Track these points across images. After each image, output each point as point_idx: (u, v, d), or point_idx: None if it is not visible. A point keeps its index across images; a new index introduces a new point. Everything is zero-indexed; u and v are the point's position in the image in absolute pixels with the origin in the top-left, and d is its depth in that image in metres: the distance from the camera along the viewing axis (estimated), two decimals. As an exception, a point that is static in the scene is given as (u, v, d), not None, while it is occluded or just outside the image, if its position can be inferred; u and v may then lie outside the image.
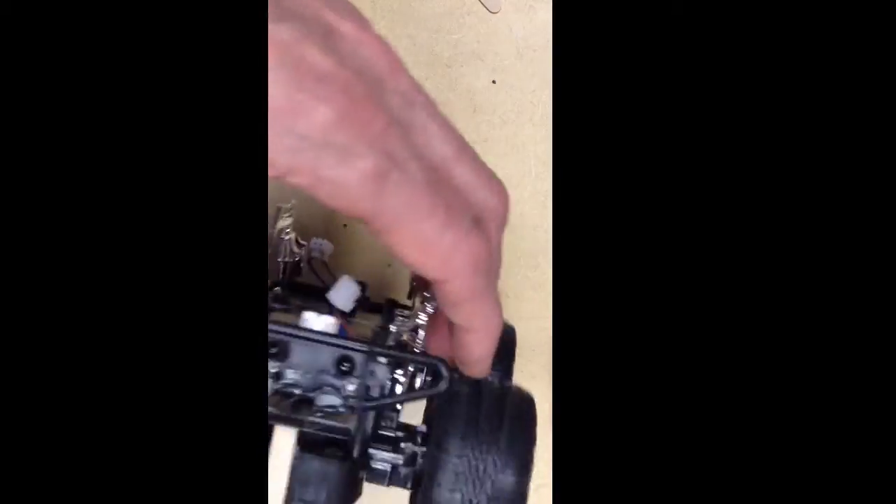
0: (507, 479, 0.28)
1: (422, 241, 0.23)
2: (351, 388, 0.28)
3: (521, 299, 0.48)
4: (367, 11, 0.50)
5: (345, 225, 0.44)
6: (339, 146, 0.21)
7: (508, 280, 0.48)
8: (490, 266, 0.25)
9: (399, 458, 0.30)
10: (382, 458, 0.31)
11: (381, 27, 0.49)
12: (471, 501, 0.28)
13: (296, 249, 0.32)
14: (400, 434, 0.31)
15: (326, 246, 0.33)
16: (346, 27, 0.23)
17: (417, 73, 0.43)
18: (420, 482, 0.30)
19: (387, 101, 0.23)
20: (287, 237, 0.32)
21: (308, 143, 0.21)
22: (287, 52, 0.20)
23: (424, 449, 0.30)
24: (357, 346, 0.28)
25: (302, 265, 0.33)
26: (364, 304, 0.34)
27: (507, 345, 0.42)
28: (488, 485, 0.28)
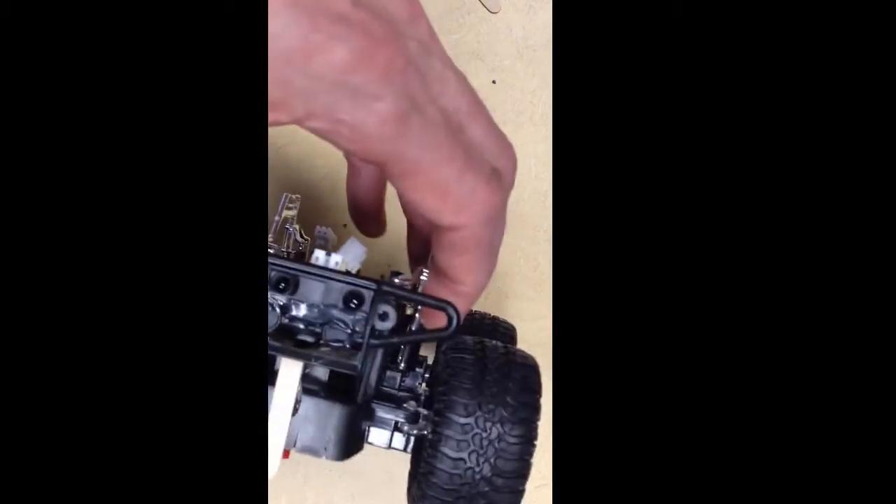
0: (512, 447, 0.28)
1: (440, 186, 0.23)
2: (359, 322, 0.28)
3: (521, 299, 0.48)
4: (367, 11, 0.50)
5: (344, 225, 0.44)
6: (357, 87, 0.21)
7: (508, 280, 0.48)
8: (498, 220, 0.25)
9: (401, 416, 0.30)
10: (384, 416, 0.30)
11: (381, 27, 0.49)
12: (473, 469, 0.28)
13: (299, 239, 0.32)
14: (403, 394, 0.31)
15: (330, 234, 0.33)
16: None
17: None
18: (421, 448, 0.29)
19: (405, 44, 0.22)
20: (291, 227, 0.32)
21: (324, 84, 0.20)
22: None
23: (427, 412, 0.30)
24: (366, 283, 0.28)
25: (306, 256, 0.33)
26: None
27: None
28: (491, 452, 0.28)
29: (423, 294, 0.28)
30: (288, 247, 0.32)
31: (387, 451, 0.31)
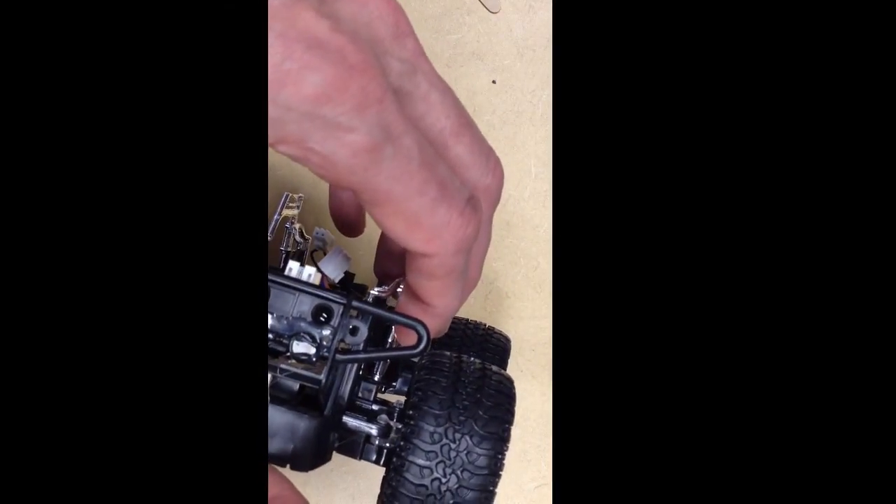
0: (480, 459, 0.27)
1: (411, 216, 0.23)
2: (326, 338, 0.28)
3: (521, 299, 0.48)
4: (367, 11, 0.50)
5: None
6: (329, 119, 0.20)
7: (508, 280, 0.48)
8: (475, 245, 0.25)
9: (373, 428, 0.30)
10: (356, 427, 0.31)
11: (381, 27, 0.49)
12: (440, 480, 0.27)
13: (298, 239, 0.33)
14: (376, 407, 0.31)
15: (328, 236, 0.33)
16: None
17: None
18: (391, 458, 0.29)
19: (386, 67, 0.22)
20: (291, 226, 0.32)
21: (295, 114, 0.20)
22: (277, 16, 0.19)
23: (400, 426, 0.29)
24: (336, 297, 0.28)
25: (304, 255, 0.33)
26: (350, 278, 0.34)
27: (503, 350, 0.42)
28: (458, 464, 0.27)
29: (393, 311, 0.28)
30: (287, 246, 0.32)
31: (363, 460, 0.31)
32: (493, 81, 0.49)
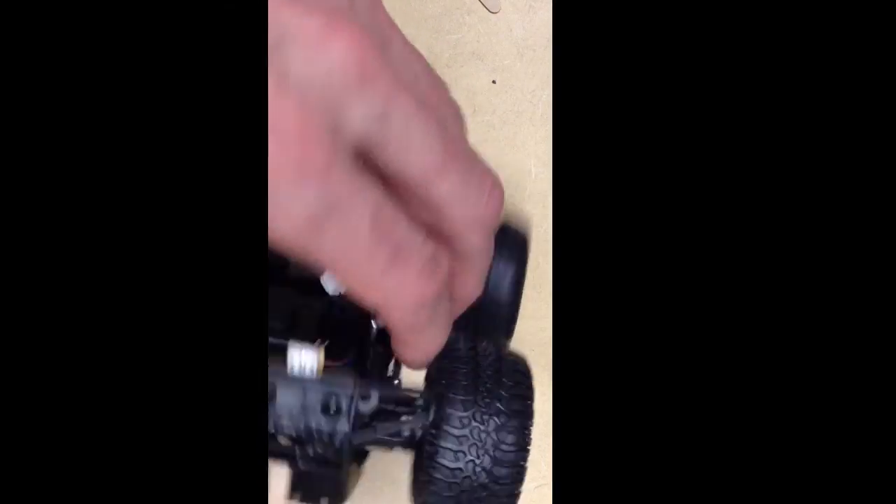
0: (508, 437, 0.29)
1: (361, 281, 0.22)
2: (342, 429, 0.28)
3: (521, 299, 0.48)
4: (367, 11, 0.50)
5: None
6: (270, 185, 0.19)
7: (508, 280, 0.48)
8: (436, 302, 0.23)
9: (399, 429, 0.30)
10: (384, 438, 0.30)
11: (381, 27, 0.49)
12: (474, 462, 0.29)
13: None
14: (400, 408, 0.30)
15: None
16: (309, 27, 0.19)
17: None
18: (423, 445, 0.30)
19: (344, 121, 0.20)
20: None
21: None
22: None
23: (424, 418, 0.30)
24: (342, 385, 0.28)
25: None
26: (357, 324, 0.34)
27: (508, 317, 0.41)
28: (490, 444, 0.29)
29: (401, 391, 0.28)
30: (292, 266, 0.32)
31: (387, 452, 0.31)
32: (493, 81, 0.49)
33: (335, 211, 0.20)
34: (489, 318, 0.36)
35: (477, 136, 0.48)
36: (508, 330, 0.39)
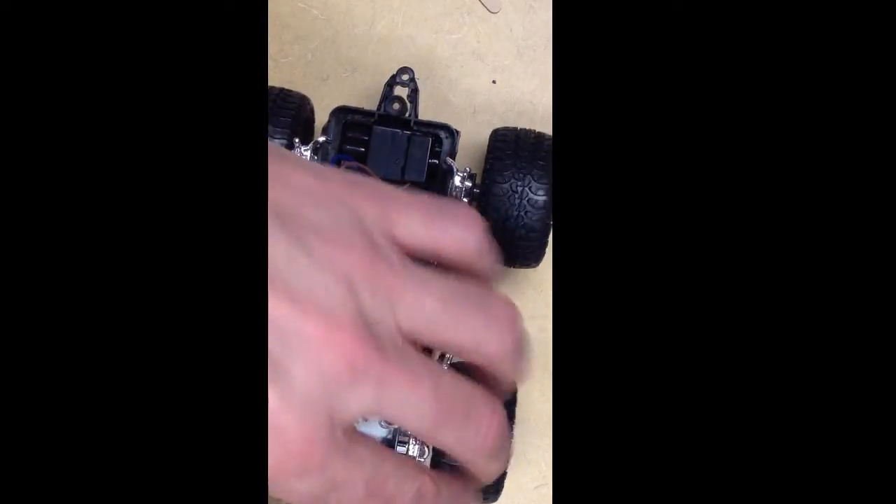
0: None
1: None
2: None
3: (520, 299, 0.48)
4: (366, 11, 0.50)
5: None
6: (273, 481, 0.21)
7: (509, 280, 0.48)
8: None
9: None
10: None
11: (381, 27, 0.49)
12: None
13: None
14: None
15: None
16: (307, 334, 0.21)
17: (418, 73, 0.43)
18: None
19: (342, 411, 0.22)
20: None
21: None
22: None
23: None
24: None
25: None
26: None
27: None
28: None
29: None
30: None
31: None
32: (493, 81, 0.49)
33: (335, 489, 0.22)
34: (520, 245, 0.41)
35: (477, 135, 0.48)
36: (538, 256, 0.43)
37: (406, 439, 0.40)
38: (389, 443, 0.41)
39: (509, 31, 0.50)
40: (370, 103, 0.44)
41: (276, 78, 0.48)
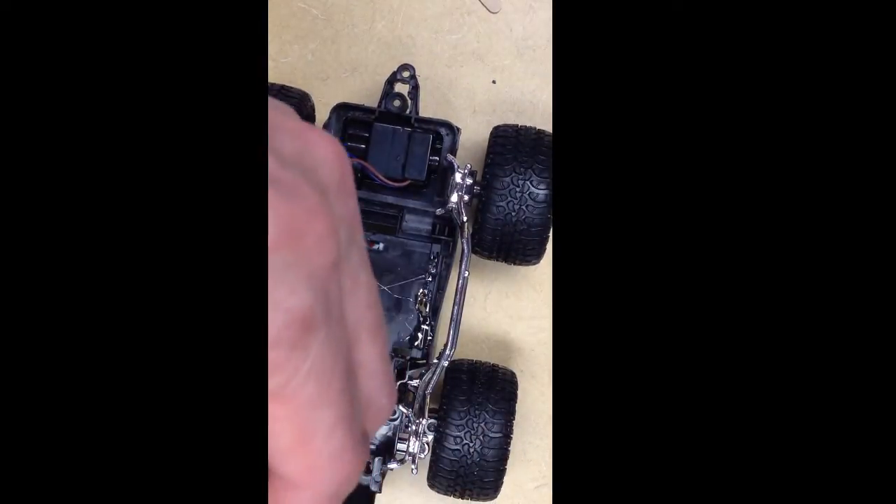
0: (495, 434, 0.42)
1: (306, 430, 0.18)
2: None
3: (520, 299, 0.48)
4: (366, 11, 0.50)
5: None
6: (272, 266, 0.16)
7: (508, 280, 0.48)
8: (345, 495, 0.19)
9: (421, 442, 0.43)
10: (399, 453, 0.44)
11: (381, 27, 0.49)
12: (468, 445, 0.42)
13: None
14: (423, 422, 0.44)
15: None
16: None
17: (418, 73, 0.44)
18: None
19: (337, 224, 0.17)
20: None
21: None
22: None
23: (435, 421, 0.43)
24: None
25: None
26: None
27: None
28: (479, 432, 0.42)
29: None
30: None
31: None
32: (493, 81, 0.49)
33: (327, 321, 0.17)
34: (520, 240, 0.42)
35: (477, 135, 0.48)
36: (539, 252, 0.44)
37: (406, 436, 0.42)
38: (390, 440, 0.42)
39: (509, 31, 0.50)
40: (370, 103, 0.44)
41: (275, 78, 0.48)
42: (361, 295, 0.19)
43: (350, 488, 0.19)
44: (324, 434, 0.18)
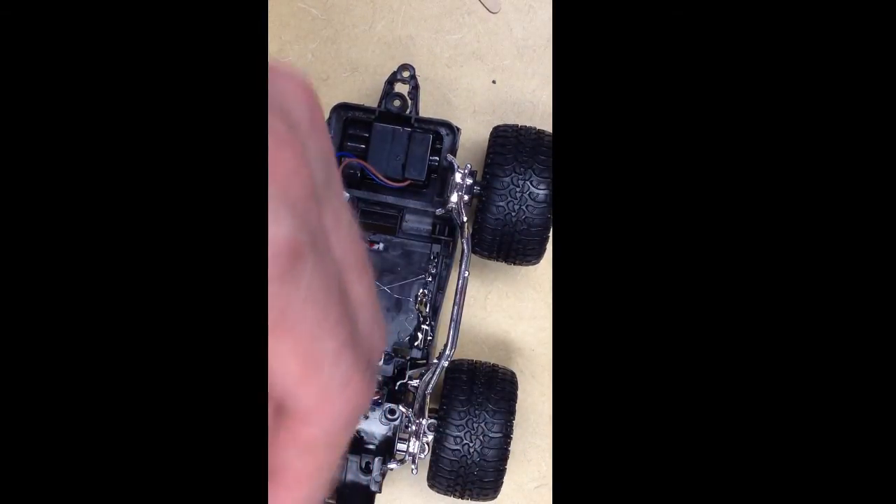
0: (495, 434, 0.42)
1: (312, 360, 0.18)
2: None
3: (520, 299, 0.48)
4: (366, 11, 0.50)
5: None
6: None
7: (508, 280, 0.48)
8: (356, 423, 0.19)
9: (421, 442, 0.44)
10: (398, 452, 0.44)
11: (380, 27, 0.49)
12: (468, 445, 0.42)
13: None
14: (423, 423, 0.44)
15: None
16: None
17: (418, 73, 0.44)
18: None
19: (310, 159, 0.17)
20: None
21: None
22: None
23: (435, 421, 0.43)
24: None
25: None
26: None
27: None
28: (480, 433, 0.42)
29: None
30: None
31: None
32: (493, 81, 0.49)
33: (315, 250, 0.17)
34: (520, 240, 0.43)
35: (477, 135, 0.48)
36: (539, 252, 0.44)
37: (406, 436, 0.42)
38: (390, 440, 0.42)
39: (509, 31, 0.50)
40: (370, 103, 0.44)
41: (276, 78, 0.48)
42: (344, 232, 0.18)
43: (358, 418, 0.19)
44: (330, 361, 0.18)
